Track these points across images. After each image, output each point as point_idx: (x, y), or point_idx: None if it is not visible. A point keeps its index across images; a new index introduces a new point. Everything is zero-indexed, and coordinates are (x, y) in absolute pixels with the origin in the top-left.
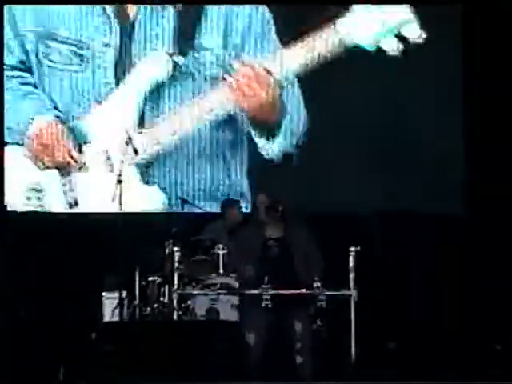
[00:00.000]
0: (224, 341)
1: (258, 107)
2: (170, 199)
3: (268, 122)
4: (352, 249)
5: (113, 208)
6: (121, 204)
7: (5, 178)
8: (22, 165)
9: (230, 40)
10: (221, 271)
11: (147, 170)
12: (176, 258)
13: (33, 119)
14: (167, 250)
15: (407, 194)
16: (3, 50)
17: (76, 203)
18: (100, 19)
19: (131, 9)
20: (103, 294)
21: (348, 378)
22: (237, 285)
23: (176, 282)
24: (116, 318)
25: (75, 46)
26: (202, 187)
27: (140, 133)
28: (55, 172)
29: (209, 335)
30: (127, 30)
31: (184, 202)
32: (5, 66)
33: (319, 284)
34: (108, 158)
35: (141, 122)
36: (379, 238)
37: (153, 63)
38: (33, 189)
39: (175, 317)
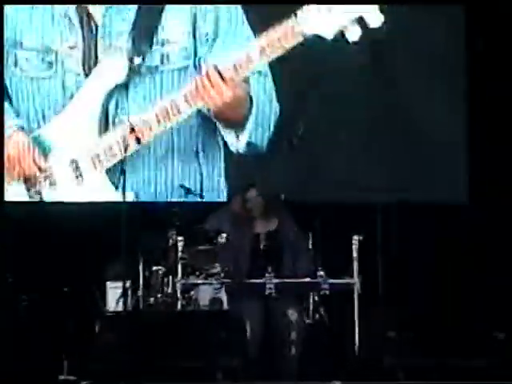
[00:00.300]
0: (227, 330)
1: (223, 105)
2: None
3: (234, 118)
4: (355, 238)
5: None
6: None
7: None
8: None
9: (197, 33)
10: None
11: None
12: (180, 248)
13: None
14: (171, 240)
15: (410, 183)
16: (3, 50)
17: None
18: (63, 23)
19: (94, 10)
20: (107, 283)
21: (351, 368)
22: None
23: (180, 271)
24: (120, 308)
25: (41, 51)
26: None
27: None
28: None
29: (212, 325)
30: (91, 32)
31: (188, 191)
32: None
33: (322, 273)
34: (76, 167)
35: (105, 126)
36: (383, 228)
37: (110, 66)
38: None
39: (179, 307)
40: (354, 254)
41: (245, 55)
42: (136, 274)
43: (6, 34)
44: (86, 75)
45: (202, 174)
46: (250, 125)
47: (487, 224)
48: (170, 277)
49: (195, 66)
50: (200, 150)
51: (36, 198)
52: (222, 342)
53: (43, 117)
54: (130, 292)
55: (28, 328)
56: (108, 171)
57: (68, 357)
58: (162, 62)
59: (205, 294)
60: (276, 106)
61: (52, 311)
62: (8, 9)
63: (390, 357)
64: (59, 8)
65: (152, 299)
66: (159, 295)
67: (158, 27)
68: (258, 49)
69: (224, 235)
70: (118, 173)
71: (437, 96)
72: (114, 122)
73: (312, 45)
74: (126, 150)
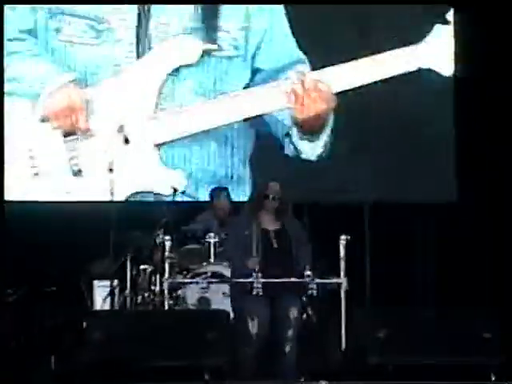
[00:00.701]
0: (214, 329)
1: (312, 117)
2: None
3: (315, 128)
4: (342, 237)
5: (105, 197)
6: (112, 193)
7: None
8: (24, 126)
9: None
10: (212, 260)
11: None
12: (167, 247)
13: (46, 81)
14: (158, 239)
15: (398, 182)
16: (3, 50)
17: (80, 172)
18: None
19: None
20: (94, 282)
21: (337, 367)
22: (228, 273)
23: (167, 271)
24: (107, 307)
25: (92, 20)
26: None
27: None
28: (60, 138)
29: (199, 324)
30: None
31: (175, 190)
32: (15, 30)
33: (310, 273)
34: (121, 131)
35: (157, 106)
36: (371, 227)
37: (179, 47)
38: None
39: (166, 306)
40: (342, 254)
41: (340, 71)
42: (123, 273)
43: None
44: (140, 49)
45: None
46: (324, 137)
47: (476, 222)
48: (158, 276)
49: (244, 58)
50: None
51: (73, 153)
52: (210, 341)
53: (95, 77)
54: (117, 291)
55: (14, 326)
56: (158, 146)
57: (55, 355)
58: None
59: (192, 293)
60: None
61: (38, 309)
62: None
63: (377, 356)
64: None
65: (139, 298)
66: (146, 294)
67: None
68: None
69: (212, 234)
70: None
71: (425, 95)
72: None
73: None
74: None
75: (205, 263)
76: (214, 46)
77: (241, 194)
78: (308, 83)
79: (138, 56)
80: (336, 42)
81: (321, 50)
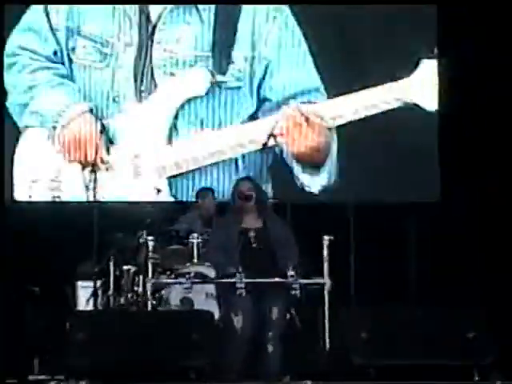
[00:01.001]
0: (197, 330)
1: (306, 151)
2: None
3: (316, 162)
4: (326, 238)
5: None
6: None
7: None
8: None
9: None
10: (195, 260)
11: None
12: (150, 248)
13: (66, 108)
14: (141, 240)
15: (381, 183)
16: (3, 50)
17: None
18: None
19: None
20: (78, 283)
21: (322, 367)
22: (212, 274)
23: (150, 271)
24: (90, 307)
25: (99, 43)
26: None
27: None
28: (77, 166)
29: (183, 324)
30: (147, 32)
31: (159, 191)
32: (39, 57)
33: (293, 273)
34: (136, 164)
35: (170, 135)
36: (354, 228)
37: (192, 78)
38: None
39: (149, 306)
40: (325, 254)
41: (332, 105)
42: (107, 274)
43: (68, 22)
44: (135, 74)
45: None
46: (326, 170)
47: (460, 221)
48: (141, 276)
49: (250, 90)
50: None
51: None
52: (193, 342)
53: (112, 107)
54: (100, 291)
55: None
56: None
57: (38, 356)
58: (237, 79)
59: (175, 294)
60: None
61: (22, 310)
62: None
63: (361, 356)
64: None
65: (122, 299)
66: (130, 295)
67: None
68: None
69: (195, 235)
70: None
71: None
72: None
73: None
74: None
75: (188, 264)
76: (224, 78)
77: None
78: (299, 118)
79: (136, 81)
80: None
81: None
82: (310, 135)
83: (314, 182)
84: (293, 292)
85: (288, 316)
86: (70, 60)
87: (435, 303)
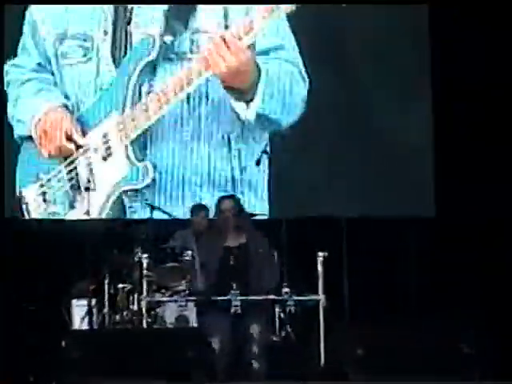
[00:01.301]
0: (193, 348)
1: (229, 73)
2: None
3: (242, 86)
4: (320, 254)
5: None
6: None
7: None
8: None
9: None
10: (190, 278)
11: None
12: (145, 265)
13: (39, 108)
14: (136, 257)
15: (376, 197)
16: (3, 51)
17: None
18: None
19: None
20: (73, 301)
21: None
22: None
23: (145, 289)
24: (85, 326)
25: (82, 39)
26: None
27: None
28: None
29: (178, 342)
30: (123, 17)
31: (152, 208)
32: (25, 70)
33: (288, 290)
34: (106, 142)
35: (132, 103)
36: (348, 243)
37: (143, 46)
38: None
39: (145, 324)
40: (320, 271)
41: (246, 22)
42: (101, 292)
43: (54, 28)
44: (117, 59)
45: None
46: (259, 94)
47: (455, 237)
48: (136, 294)
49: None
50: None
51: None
52: (189, 360)
53: (83, 98)
54: (95, 310)
55: None
56: (132, 143)
57: (33, 374)
58: (191, 50)
59: (171, 312)
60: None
61: (17, 329)
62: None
63: (356, 372)
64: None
65: (118, 317)
66: (125, 313)
67: (190, 15)
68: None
69: (190, 252)
70: (141, 145)
71: (403, 110)
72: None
73: None
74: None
75: (183, 281)
76: (169, 38)
77: None
78: (216, 40)
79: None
80: None
81: None
82: (228, 56)
83: (248, 109)
84: (287, 309)
85: (283, 333)
86: (58, 65)
87: (431, 318)
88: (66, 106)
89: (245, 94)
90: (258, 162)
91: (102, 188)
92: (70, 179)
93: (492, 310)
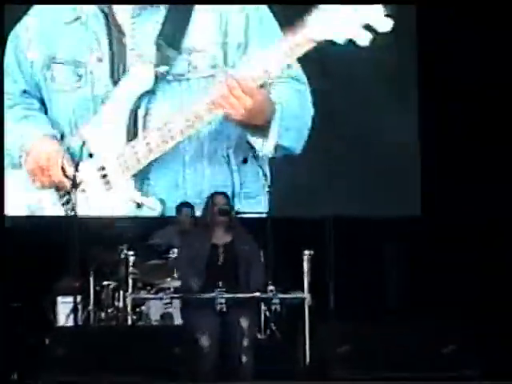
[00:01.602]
0: (178, 345)
1: (247, 114)
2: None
3: (258, 124)
4: (306, 252)
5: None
6: (75, 208)
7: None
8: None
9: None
10: (175, 275)
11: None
12: (130, 263)
13: (28, 140)
14: (122, 255)
15: (362, 196)
16: (3, 51)
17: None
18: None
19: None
20: (58, 298)
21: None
22: (192, 288)
23: (130, 286)
24: (70, 323)
25: (73, 65)
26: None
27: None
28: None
29: (163, 340)
30: (116, 42)
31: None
32: (11, 95)
33: (273, 288)
34: (104, 175)
35: (134, 134)
36: (334, 242)
37: (137, 76)
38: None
39: (129, 321)
40: (305, 269)
41: (260, 63)
42: (87, 289)
43: (43, 50)
44: (115, 83)
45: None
46: (275, 128)
47: (440, 236)
48: (121, 291)
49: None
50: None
51: (68, 207)
52: (174, 357)
53: (75, 126)
54: (80, 307)
55: None
56: (134, 176)
57: (17, 373)
58: (188, 71)
59: (155, 309)
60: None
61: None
62: (40, 24)
63: (341, 370)
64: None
65: (103, 314)
66: (110, 310)
67: (184, 35)
68: (272, 56)
69: (175, 250)
70: (143, 179)
71: (389, 110)
72: (142, 128)
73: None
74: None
75: (168, 279)
76: (165, 68)
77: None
78: (230, 82)
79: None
80: None
81: None
82: (244, 97)
83: (265, 145)
84: (273, 307)
85: (268, 331)
86: (44, 91)
87: (415, 317)
88: (55, 137)
89: (261, 129)
90: (245, 160)
91: None
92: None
93: (478, 309)
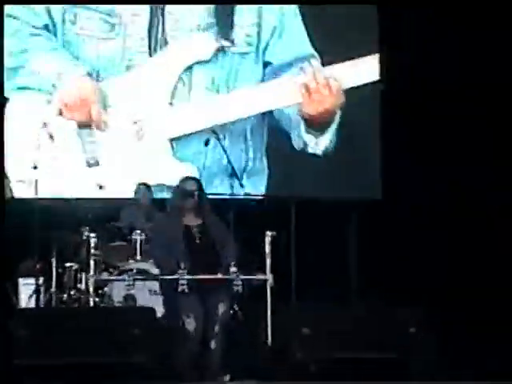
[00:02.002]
0: (141, 327)
1: (321, 112)
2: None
3: (324, 123)
4: (268, 233)
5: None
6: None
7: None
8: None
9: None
10: (138, 257)
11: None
12: (92, 244)
13: (61, 74)
14: (84, 236)
15: (324, 179)
16: (3, 51)
17: (97, 163)
18: None
19: None
20: (19, 280)
21: (262, 363)
22: (155, 270)
23: (92, 268)
24: (32, 305)
25: (107, 14)
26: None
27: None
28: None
29: (125, 321)
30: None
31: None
32: (29, 26)
33: (235, 269)
34: (138, 127)
35: (172, 98)
36: (296, 224)
37: (196, 43)
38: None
39: (92, 303)
40: (267, 250)
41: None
42: (49, 271)
43: None
44: (153, 44)
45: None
46: (331, 131)
47: (400, 219)
48: (83, 273)
49: (256, 53)
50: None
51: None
52: (136, 339)
53: (109, 72)
54: (42, 288)
55: None
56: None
57: None
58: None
59: (118, 291)
60: None
61: None
62: None
63: (302, 351)
64: None
65: (65, 296)
66: (72, 292)
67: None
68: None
69: (138, 231)
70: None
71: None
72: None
73: None
74: None
75: (131, 260)
76: (228, 43)
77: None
78: (319, 78)
79: (150, 51)
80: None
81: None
82: (327, 97)
83: (317, 143)
84: (235, 288)
85: (231, 312)
86: (64, 33)
87: (376, 299)
88: (89, 75)
89: (320, 129)
90: (206, 143)
91: None
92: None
93: (437, 294)
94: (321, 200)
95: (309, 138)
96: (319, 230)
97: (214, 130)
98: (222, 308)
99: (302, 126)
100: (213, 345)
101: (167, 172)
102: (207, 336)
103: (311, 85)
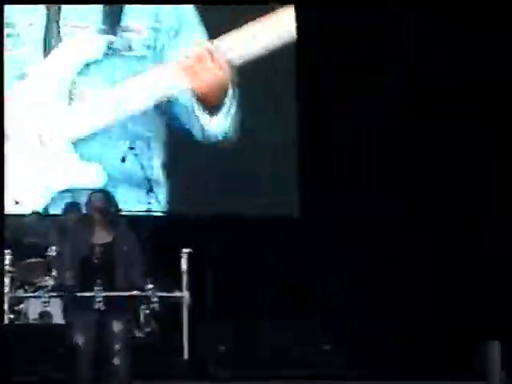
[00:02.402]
0: (56, 344)
1: (209, 87)
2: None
3: (215, 99)
4: (184, 251)
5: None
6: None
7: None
8: None
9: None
10: (54, 274)
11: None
12: (7, 261)
13: None
14: None
15: (241, 194)
16: (3, 51)
17: None
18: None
19: None
20: None
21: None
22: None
23: (8, 285)
24: None
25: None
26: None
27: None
28: None
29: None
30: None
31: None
32: None
33: (151, 286)
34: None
35: (71, 99)
36: (213, 240)
37: (84, 41)
38: None
39: (6, 320)
40: (183, 268)
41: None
42: None
43: None
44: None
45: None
46: (225, 109)
47: (318, 236)
48: None
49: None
50: None
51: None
52: (52, 356)
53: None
54: None
55: None
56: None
57: None
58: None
59: (34, 308)
60: None
61: None
62: None
63: (218, 368)
64: None
65: None
66: None
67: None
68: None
69: (54, 248)
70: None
71: (271, 111)
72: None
73: None
74: None
75: (46, 277)
76: (113, 38)
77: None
78: (202, 53)
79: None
80: None
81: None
82: (212, 71)
83: (213, 123)
84: (151, 305)
85: (147, 330)
86: None
87: (291, 316)
88: None
89: (212, 107)
90: (123, 159)
91: None
92: None
93: (359, 310)
94: (239, 217)
95: (204, 118)
96: (237, 248)
97: (131, 147)
98: (119, 325)
99: (196, 106)
100: (116, 362)
101: (74, 175)
102: (108, 353)
103: (193, 59)
